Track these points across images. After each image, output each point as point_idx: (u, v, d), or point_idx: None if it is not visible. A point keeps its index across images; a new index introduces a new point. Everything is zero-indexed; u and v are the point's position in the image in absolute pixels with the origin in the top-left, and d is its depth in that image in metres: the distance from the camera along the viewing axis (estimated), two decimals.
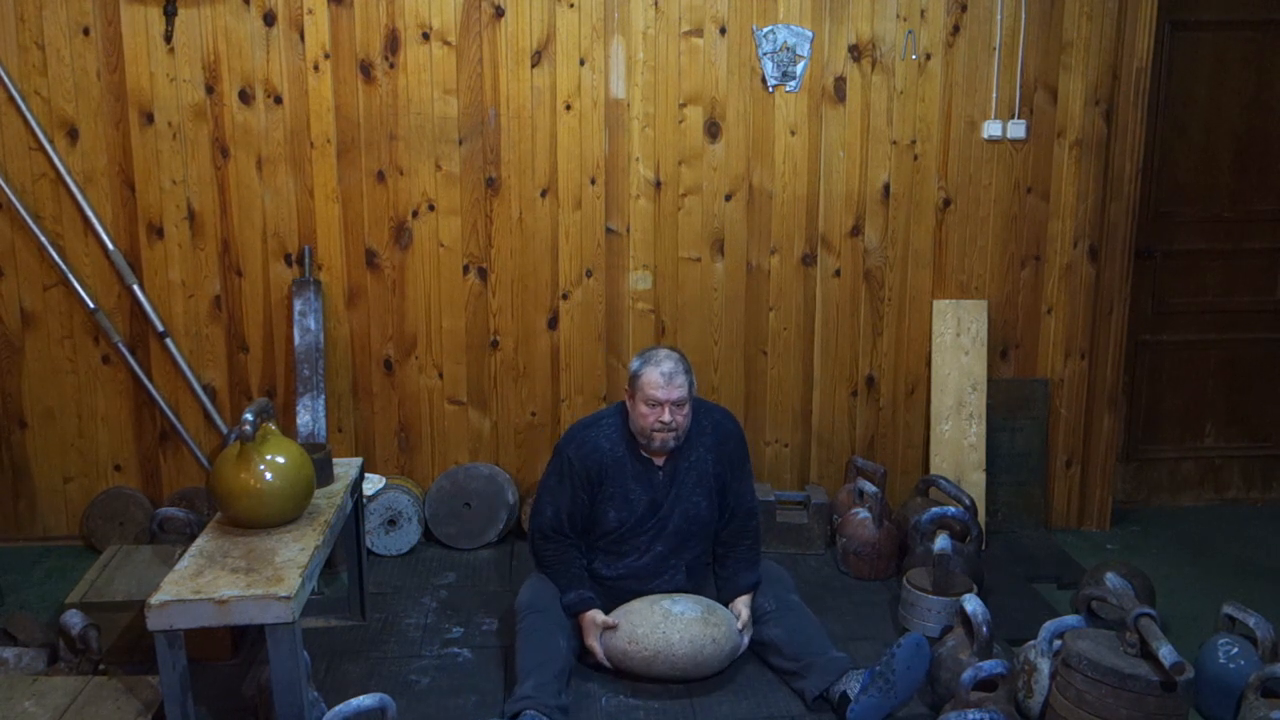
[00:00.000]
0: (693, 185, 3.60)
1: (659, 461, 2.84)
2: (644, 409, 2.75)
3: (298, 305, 3.49)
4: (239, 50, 3.41)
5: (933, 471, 3.70)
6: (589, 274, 3.63)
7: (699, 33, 3.51)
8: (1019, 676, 2.57)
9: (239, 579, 2.27)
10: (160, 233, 3.50)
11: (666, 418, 2.72)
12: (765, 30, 3.50)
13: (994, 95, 3.59)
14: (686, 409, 2.76)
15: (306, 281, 3.51)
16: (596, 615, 2.76)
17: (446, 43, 3.46)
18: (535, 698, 2.50)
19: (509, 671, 2.81)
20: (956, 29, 3.55)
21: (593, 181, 3.57)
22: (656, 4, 3.47)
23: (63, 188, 3.42)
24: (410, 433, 3.70)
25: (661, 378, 2.72)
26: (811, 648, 2.69)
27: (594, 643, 2.75)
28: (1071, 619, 2.61)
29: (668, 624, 2.68)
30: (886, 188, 3.64)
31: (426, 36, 3.45)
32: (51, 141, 3.39)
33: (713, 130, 3.57)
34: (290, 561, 2.35)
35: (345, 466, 2.96)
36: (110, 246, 3.45)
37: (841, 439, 3.79)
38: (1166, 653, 2.27)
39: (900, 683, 2.46)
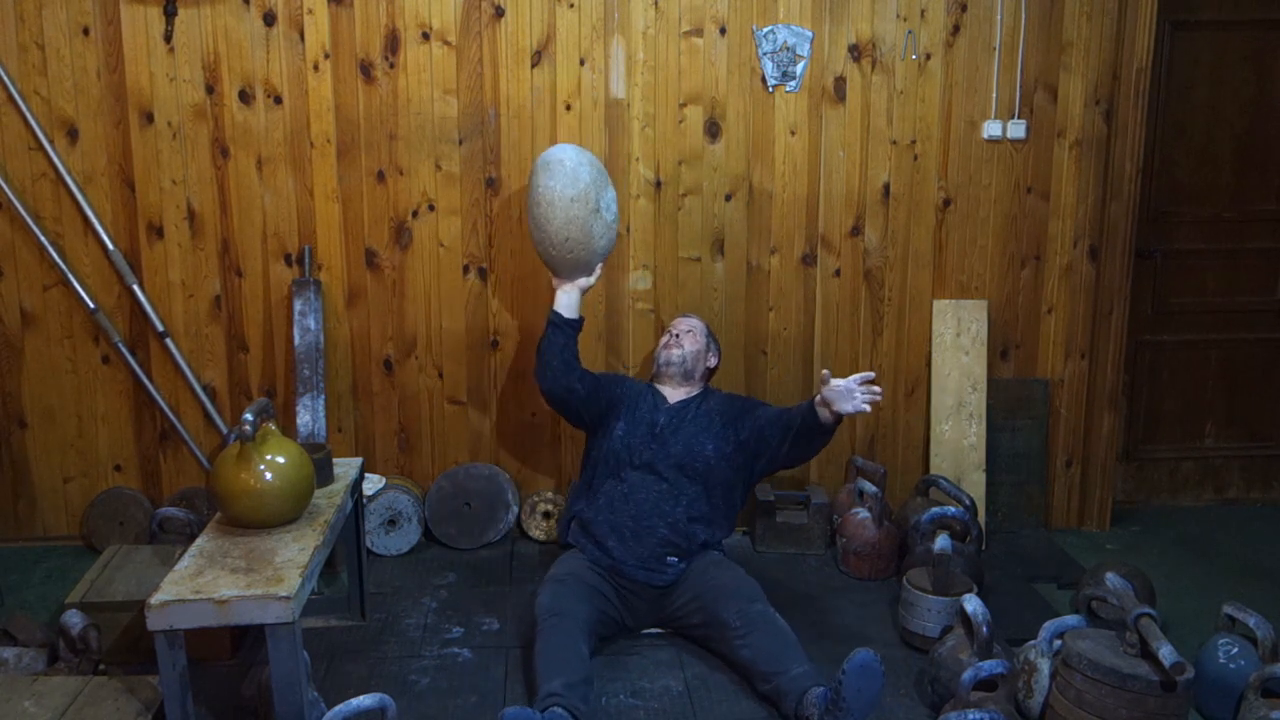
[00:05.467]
0: (693, 185, 3.60)
1: (670, 399, 3.25)
2: (662, 338, 3.37)
3: (298, 305, 3.49)
4: (239, 50, 3.41)
5: (933, 471, 3.70)
6: None
7: (699, 33, 3.51)
8: (1019, 676, 2.57)
9: (239, 579, 2.27)
10: (160, 233, 3.50)
11: (675, 331, 3.33)
12: (765, 30, 3.51)
13: (994, 95, 3.59)
14: (693, 338, 3.31)
15: (306, 281, 3.51)
16: (559, 288, 3.26)
17: (446, 43, 3.46)
18: (565, 696, 2.48)
19: (510, 674, 2.81)
20: (956, 29, 3.55)
21: None
22: (656, 4, 3.48)
23: (63, 188, 3.43)
24: (410, 433, 3.70)
25: (680, 317, 3.47)
26: (778, 664, 2.64)
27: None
28: (1071, 619, 2.61)
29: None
30: (886, 188, 3.64)
31: (426, 36, 3.45)
32: (51, 141, 3.39)
33: (713, 130, 3.57)
34: (290, 561, 2.35)
35: (345, 466, 2.96)
36: (110, 246, 3.45)
37: (841, 439, 3.79)
38: (1166, 653, 2.27)
39: (853, 707, 2.38)
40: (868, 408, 2.84)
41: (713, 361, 3.40)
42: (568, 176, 3.11)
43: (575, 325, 3.24)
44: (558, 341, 3.19)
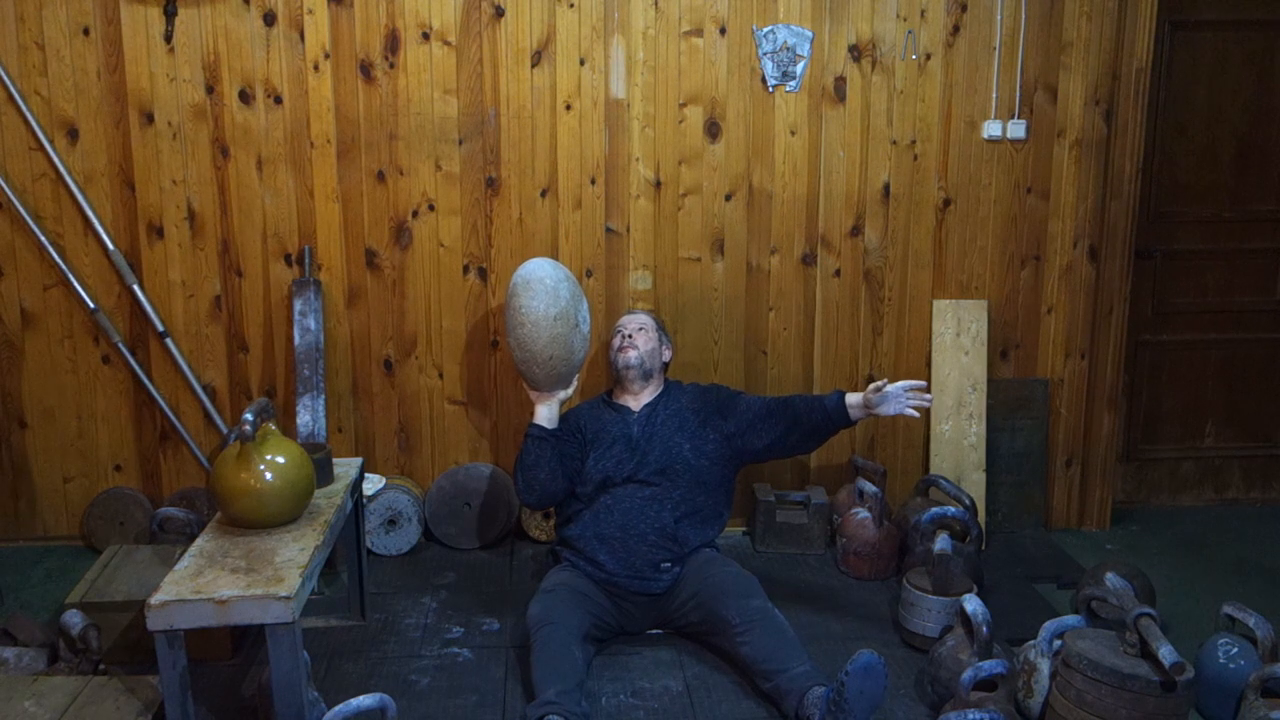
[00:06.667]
0: (693, 185, 3.60)
1: (634, 407, 3.22)
2: (613, 341, 3.31)
3: (298, 305, 3.49)
4: (239, 50, 3.41)
5: (933, 471, 3.70)
6: (589, 274, 3.63)
7: (699, 33, 3.51)
8: (1019, 676, 2.57)
9: (239, 579, 2.27)
10: (160, 233, 3.50)
11: (627, 331, 3.27)
12: (765, 30, 3.51)
13: (994, 95, 3.59)
14: (646, 336, 3.27)
15: (306, 281, 3.51)
16: (539, 401, 3.19)
17: (446, 43, 3.46)
18: (560, 704, 2.48)
19: (510, 674, 2.82)
20: (956, 29, 3.55)
21: (593, 181, 3.57)
22: (656, 4, 3.48)
23: (63, 188, 3.43)
24: (410, 433, 3.71)
25: (627, 315, 3.41)
26: (779, 662, 2.63)
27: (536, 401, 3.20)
28: (1071, 619, 2.61)
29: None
30: (886, 188, 3.64)
31: (426, 36, 3.45)
32: (51, 141, 3.40)
33: (713, 130, 3.57)
34: (290, 561, 2.35)
35: (345, 466, 2.96)
36: (110, 246, 3.45)
37: (841, 439, 3.78)
38: (1166, 653, 2.27)
39: (855, 708, 2.38)
40: (915, 412, 2.94)
41: (667, 355, 3.37)
42: (549, 295, 3.10)
43: (558, 434, 3.16)
44: (545, 454, 3.10)
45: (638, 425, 3.17)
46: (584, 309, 3.23)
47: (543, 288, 3.11)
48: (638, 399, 3.25)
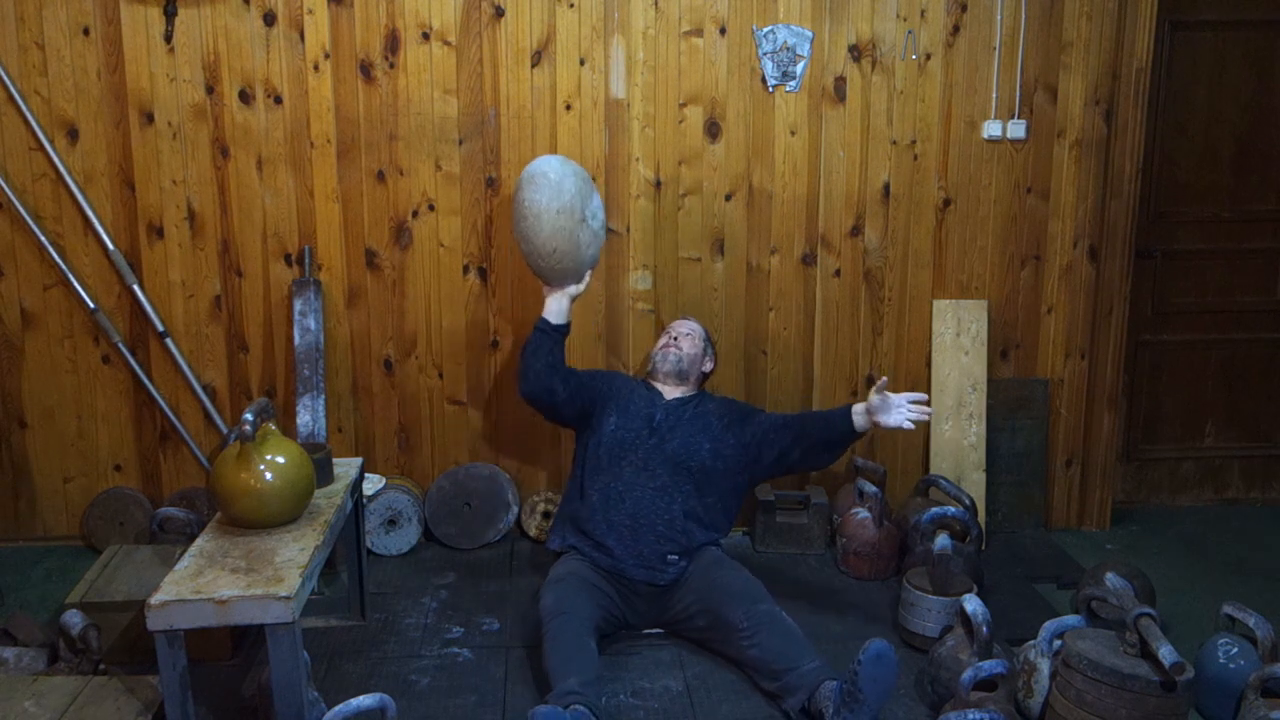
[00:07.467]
0: (693, 185, 3.60)
1: (666, 395, 3.29)
2: (660, 339, 3.43)
3: (298, 305, 3.49)
4: (239, 50, 3.41)
5: (933, 471, 3.70)
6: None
7: (699, 33, 3.51)
8: (1019, 676, 2.57)
9: (239, 579, 2.27)
10: (160, 233, 3.50)
11: (674, 334, 3.39)
12: (765, 30, 3.51)
13: (994, 95, 3.59)
14: (691, 342, 3.37)
15: (306, 281, 3.51)
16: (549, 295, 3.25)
17: (446, 43, 3.46)
18: (583, 694, 2.47)
19: (510, 674, 2.81)
20: (956, 29, 3.55)
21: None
22: (656, 4, 3.48)
23: (63, 188, 3.43)
24: (410, 433, 3.71)
25: (680, 319, 3.52)
26: (786, 661, 2.64)
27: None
28: (1071, 619, 2.61)
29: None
30: (886, 188, 3.64)
31: (426, 36, 3.45)
32: (51, 141, 3.40)
33: (713, 130, 3.57)
34: (290, 561, 2.35)
35: (345, 466, 2.96)
36: (110, 246, 3.45)
37: None
38: (1166, 653, 2.27)
39: (869, 697, 2.40)
40: (911, 425, 2.93)
41: (708, 366, 3.43)
42: (552, 189, 3.10)
43: (563, 330, 3.24)
44: (544, 346, 3.20)
45: (663, 411, 3.21)
46: (594, 204, 3.21)
47: (546, 181, 3.11)
48: (670, 392, 3.31)
